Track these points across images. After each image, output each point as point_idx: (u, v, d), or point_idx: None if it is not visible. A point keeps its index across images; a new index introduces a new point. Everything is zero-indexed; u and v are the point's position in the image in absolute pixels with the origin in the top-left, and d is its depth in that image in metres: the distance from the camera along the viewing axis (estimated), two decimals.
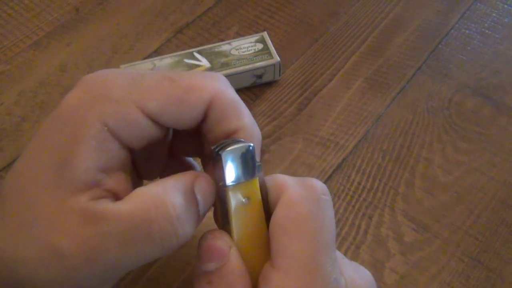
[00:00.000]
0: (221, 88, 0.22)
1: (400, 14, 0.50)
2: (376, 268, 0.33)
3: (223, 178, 0.21)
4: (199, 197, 0.21)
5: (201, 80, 0.22)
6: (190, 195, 0.20)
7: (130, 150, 0.22)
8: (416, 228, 0.35)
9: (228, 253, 0.20)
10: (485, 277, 0.33)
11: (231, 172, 0.21)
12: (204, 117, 0.23)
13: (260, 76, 0.43)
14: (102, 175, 0.20)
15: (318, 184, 0.22)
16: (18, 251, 0.20)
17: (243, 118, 0.23)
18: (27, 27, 0.49)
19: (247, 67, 0.42)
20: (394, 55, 0.46)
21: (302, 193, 0.21)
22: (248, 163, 0.21)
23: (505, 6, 0.50)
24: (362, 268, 0.23)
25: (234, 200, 0.21)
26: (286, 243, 0.20)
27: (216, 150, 0.21)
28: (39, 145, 0.21)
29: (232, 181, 0.21)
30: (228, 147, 0.21)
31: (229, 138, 0.23)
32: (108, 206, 0.19)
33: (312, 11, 0.50)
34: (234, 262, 0.20)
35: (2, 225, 0.20)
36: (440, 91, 0.43)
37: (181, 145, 0.28)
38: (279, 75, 0.44)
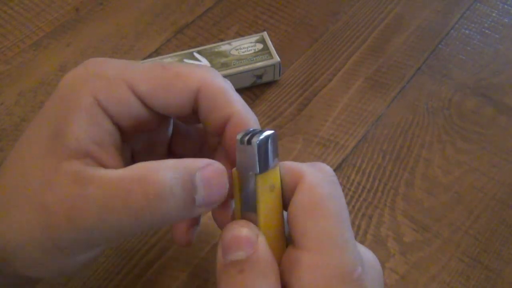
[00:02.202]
0: (208, 76, 0.23)
1: (400, 14, 0.50)
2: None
3: (254, 166, 0.21)
4: (199, 184, 0.20)
5: (190, 69, 0.23)
6: (185, 177, 0.20)
7: (122, 129, 0.23)
8: (416, 228, 0.35)
9: (256, 241, 0.20)
10: (485, 277, 0.33)
11: (262, 160, 0.21)
12: (197, 107, 0.23)
13: (260, 76, 0.43)
14: (94, 146, 0.21)
15: (328, 167, 0.23)
16: (9, 214, 0.21)
17: (234, 104, 0.23)
18: (27, 27, 0.49)
19: (247, 67, 0.42)
20: (394, 55, 0.46)
21: (319, 176, 0.22)
22: (273, 151, 0.22)
23: (505, 6, 0.50)
24: (363, 246, 0.24)
25: (262, 188, 0.21)
26: (313, 223, 0.21)
27: (245, 139, 0.21)
28: (38, 119, 0.22)
29: (263, 169, 0.21)
30: (257, 136, 0.21)
31: (248, 128, 0.23)
32: (99, 171, 0.20)
33: (312, 11, 0.50)
34: (263, 249, 0.20)
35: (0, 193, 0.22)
36: (440, 91, 0.43)
37: (181, 143, 0.28)
38: (279, 75, 0.44)
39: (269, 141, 0.21)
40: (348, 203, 0.36)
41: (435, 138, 0.40)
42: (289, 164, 0.23)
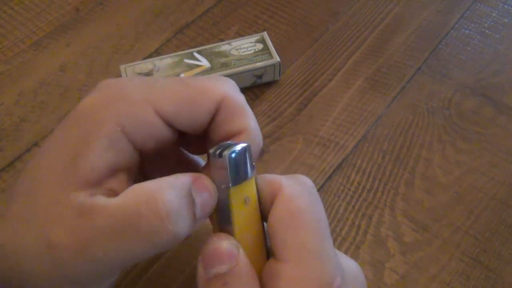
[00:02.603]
0: (231, 90, 0.23)
1: (400, 14, 0.50)
2: (376, 268, 0.33)
3: (226, 180, 0.21)
4: (196, 198, 0.21)
5: (213, 83, 0.23)
6: (186, 194, 0.20)
7: (141, 153, 0.23)
8: (416, 228, 0.35)
9: (237, 253, 0.20)
10: (485, 277, 0.33)
11: (233, 173, 0.21)
12: (211, 120, 0.23)
13: (260, 76, 0.43)
14: (109, 174, 0.21)
15: (307, 179, 0.23)
16: (17, 243, 0.20)
17: (249, 120, 0.23)
18: (27, 27, 0.49)
19: (247, 67, 0.42)
20: (394, 55, 0.46)
21: (297, 188, 0.22)
22: (246, 163, 0.22)
23: (505, 6, 0.50)
24: (346, 256, 0.24)
25: (236, 200, 0.21)
26: (292, 235, 0.21)
27: (217, 152, 0.21)
28: (52, 143, 0.21)
29: (235, 182, 0.21)
30: (229, 149, 0.21)
31: (224, 141, 0.23)
32: (101, 200, 0.20)
33: (312, 11, 0.50)
34: (244, 261, 0.20)
35: (8, 219, 0.21)
36: (440, 91, 0.43)
37: (187, 143, 0.28)
38: (279, 75, 0.44)
39: (242, 153, 0.21)
40: (348, 203, 0.36)
41: (435, 138, 0.40)
42: (267, 177, 0.23)
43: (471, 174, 0.38)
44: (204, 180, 0.21)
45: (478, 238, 0.35)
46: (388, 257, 0.34)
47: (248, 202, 0.22)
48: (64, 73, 0.45)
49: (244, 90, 0.43)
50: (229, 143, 0.22)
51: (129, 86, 0.22)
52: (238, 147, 0.21)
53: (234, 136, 0.23)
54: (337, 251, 0.24)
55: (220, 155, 0.21)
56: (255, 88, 0.44)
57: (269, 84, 0.44)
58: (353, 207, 0.36)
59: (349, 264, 0.23)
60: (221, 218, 0.22)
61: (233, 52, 0.43)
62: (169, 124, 0.22)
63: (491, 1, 0.50)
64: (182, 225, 0.20)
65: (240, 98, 0.24)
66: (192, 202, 0.20)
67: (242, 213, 0.22)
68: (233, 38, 0.46)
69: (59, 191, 0.20)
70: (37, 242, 0.20)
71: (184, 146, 0.28)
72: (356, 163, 0.39)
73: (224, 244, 0.20)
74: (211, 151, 0.22)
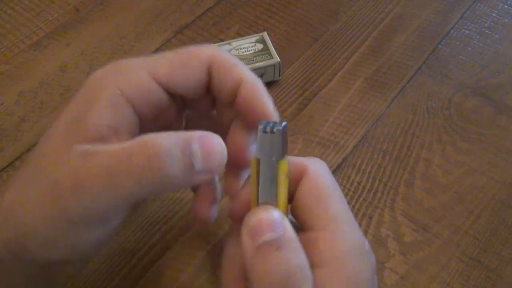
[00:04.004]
0: (216, 50, 0.25)
1: (400, 14, 0.50)
2: (376, 268, 0.33)
3: (278, 151, 0.23)
4: (195, 148, 0.21)
5: (201, 47, 0.26)
6: (182, 142, 0.21)
7: (143, 117, 0.24)
8: (416, 228, 0.35)
9: (283, 221, 0.22)
10: (485, 277, 0.33)
11: (284, 145, 0.23)
12: (210, 82, 0.25)
13: (260, 76, 0.43)
14: (110, 132, 0.22)
15: (323, 162, 0.26)
16: (24, 194, 0.22)
17: (242, 69, 0.25)
18: (27, 27, 0.49)
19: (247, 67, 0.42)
20: (394, 55, 0.46)
21: (320, 167, 0.25)
22: (287, 140, 0.24)
23: (505, 6, 0.50)
24: None
25: (282, 173, 0.23)
26: (325, 207, 0.23)
27: (267, 128, 0.23)
28: (63, 112, 0.24)
29: (284, 155, 0.23)
30: (279, 124, 0.23)
31: (265, 121, 0.24)
32: (105, 146, 0.22)
33: (312, 11, 0.50)
34: (290, 228, 0.22)
35: (15, 179, 0.23)
36: (440, 91, 0.43)
37: (196, 127, 0.29)
38: (279, 75, 0.44)
39: (286, 129, 0.24)
40: (348, 203, 0.36)
41: (435, 138, 0.40)
42: (292, 158, 0.25)
43: (471, 174, 0.38)
44: (213, 137, 0.22)
45: (478, 238, 0.35)
46: (388, 257, 0.34)
47: (287, 177, 0.24)
48: (64, 73, 0.45)
49: None
50: (272, 122, 0.23)
51: (129, 60, 0.25)
52: (284, 123, 0.23)
53: (236, 88, 0.25)
54: None
55: (272, 130, 0.23)
56: None
57: (269, 84, 0.44)
58: (353, 207, 0.36)
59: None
60: (265, 191, 0.23)
61: (233, 52, 0.43)
62: (166, 89, 0.24)
63: (491, 1, 0.50)
64: (171, 168, 0.21)
65: (227, 54, 0.25)
66: (189, 151, 0.21)
67: (284, 185, 0.23)
68: (233, 38, 0.46)
69: (64, 142, 0.22)
70: (41, 185, 0.22)
71: (198, 122, 0.30)
72: (356, 163, 0.39)
73: (272, 213, 0.22)
74: (260, 127, 0.23)
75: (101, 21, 0.50)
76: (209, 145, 0.22)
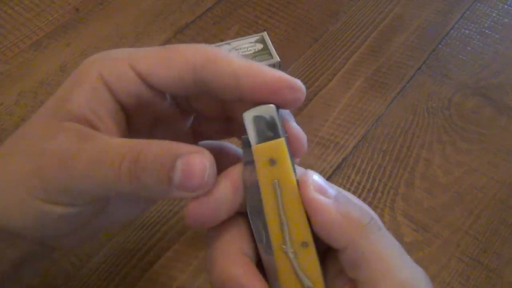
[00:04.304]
0: (204, 47, 0.24)
1: (400, 14, 0.50)
2: None
3: (251, 138, 0.22)
4: (178, 166, 0.21)
5: (187, 45, 0.25)
6: (166, 157, 0.21)
7: (125, 107, 0.25)
8: (416, 228, 0.35)
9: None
10: (485, 277, 0.33)
11: (256, 131, 0.22)
12: (205, 80, 0.24)
13: None
14: (93, 114, 0.23)
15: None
16: (4, 164, 0.23)
17: (234, 60, 0.23)
18: (27, 27, 0.49)
19: None
20: (394, 55, 0.46)
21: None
22: (273, 123, 0.22)
23: (505, 6, 0.50)
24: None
25: (260, 159, 0.22)
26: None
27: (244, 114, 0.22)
28: (57, 91, 0.25)
29: (258, 141, 0.22)
30: (253, 109, 0.22)
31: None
32: (100, 134, 0.22)
33: (312, 11, 0.50)
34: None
35: (3, 146, 0.24)
36: (440, 91, 0.43)
37: (206, 128, 0.29)
38: None
39: (264, 114, 0.22)
40: None
41: (435, 138, 0.40)
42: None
43: (471, 174, 0.38)
44: (202, 156, 0.21)
45: (478, 238, 0.35)
46: None
47: (274, 163, 0.22)
48: (64, 73, 0.45)
49: None
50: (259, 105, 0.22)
51: (114, 51, 0.25)
52: (259, 107, 0.22)
53: (236, 83, 0.23)
54: None
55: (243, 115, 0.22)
56: None
57: None
58: None
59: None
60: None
61: (233, 52, 0.43)
62: (146, 83, 0.24)
63: (491, 1, 0.50)
64: (149, 178, 0.21)
65: (213, 49, 0.24)
66: (168, 166, 0.21)
67: (267, 174, 0.22)
68: (233, 38, 0.46)
69: (51, 119, 0.23)
70: (25, 155, 0.22)
71: (204, 131, 0.29)
72: (356, 163, 0.39)
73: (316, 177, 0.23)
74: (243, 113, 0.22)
75: (101, 21, 0.50)
76: (193, 164, 0.21)
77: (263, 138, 0.22)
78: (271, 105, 0.22)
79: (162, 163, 0.21)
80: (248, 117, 0.22)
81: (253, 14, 0.50)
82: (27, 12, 0.51)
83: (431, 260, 0.34)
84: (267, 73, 0.23)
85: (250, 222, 0.22)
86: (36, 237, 0.24)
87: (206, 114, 0.28)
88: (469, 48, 0.47)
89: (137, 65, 0.24)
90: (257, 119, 0.22)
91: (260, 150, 0.22)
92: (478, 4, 0.50)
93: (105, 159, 0.21)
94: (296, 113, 0.42)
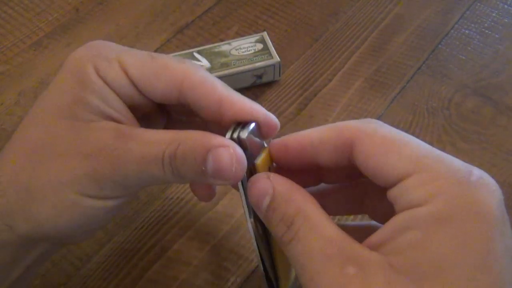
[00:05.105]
0: (190, 69, 0.25)
1: (400, 14, 0.50)
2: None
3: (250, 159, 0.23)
4: (209, 155, 0.22)
5: (175, 62, 0.26)
6: (201, 145, 0.23)
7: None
8: None
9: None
10: None
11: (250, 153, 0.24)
12: (186, 101, 0.25)
13: (260, 76, 0.43)
14: (117, 113, 0.24)
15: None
16: (44, 165, 0.23)
17: (217, 89, 0.25)
18: (27, 27, 0.49)
19: (247, 67, 0.42)
20: (394, 55, 0.46)
21: (364, 122, 0.24)
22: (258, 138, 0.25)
23: (505, 6, 0.50)
24: None
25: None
26: (397, 154, 0.21)
27: (234, 136, 0.23)
28: (52, 90, 0.25)
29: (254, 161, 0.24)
30: (242, 130, 0.23)
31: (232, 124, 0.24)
32: (136, 130, 0.23)
33: (312, 11, 0.50)
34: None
35: (23, 154, 0.25)
36: (440, 91, 0.43)
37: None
38: (279, 75, 0.44)
39: (254, 130, 0.24)
40: None
41: (435, 138, 0.40)
42: (339, 126, 0.24)
43: None
44: (227, 151, 0.22)
45: None
46: None
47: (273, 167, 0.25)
48: None
49: (244, 90, 0.43)
50: (237, 124, 0.24)
51: (107, 46, 0.26)
52: (247, 127, 0.24)
53: (218, 109, 0.25)
54: None
55: (239, 138, 0.23)
56: (255, 88, 0.44)
57: (269, 84, 0.44)
58: None
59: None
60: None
61: (233, 52, 0.43)
62: (137, 88, 0.25)
63: (491, 1, 0.50)
64: (187, 169, 0.23)
65: (200, 74, 0.25)
66: (203, 158, 0.22)
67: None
68: (233, 38, 0.46)
69: (76, 122, 0.23)
70: (70, 157, 0.23)
71: None
72: None
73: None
74: (227, 135, 0.23)
75: (101, 21, 0.50)
76: (220, 159, 0.22)
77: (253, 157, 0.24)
78: (253, 123, 0.24)
79: (196, 158, 0.22)
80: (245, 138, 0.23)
81: (253, 14, 0.50)
82: (27, 12, 0.51)
83: None
84: (247, 105, 0.24)
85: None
86: (62, 237, 0.25)
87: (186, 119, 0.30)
88: (469, 48, 0.47)
89: (129, 69, 0.25)
90: (248, 139, 0.24)
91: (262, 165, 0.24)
92: (478, 4, 0.50)
93: (149, 155, 0.23)
94: (296, 113, 0.42)
